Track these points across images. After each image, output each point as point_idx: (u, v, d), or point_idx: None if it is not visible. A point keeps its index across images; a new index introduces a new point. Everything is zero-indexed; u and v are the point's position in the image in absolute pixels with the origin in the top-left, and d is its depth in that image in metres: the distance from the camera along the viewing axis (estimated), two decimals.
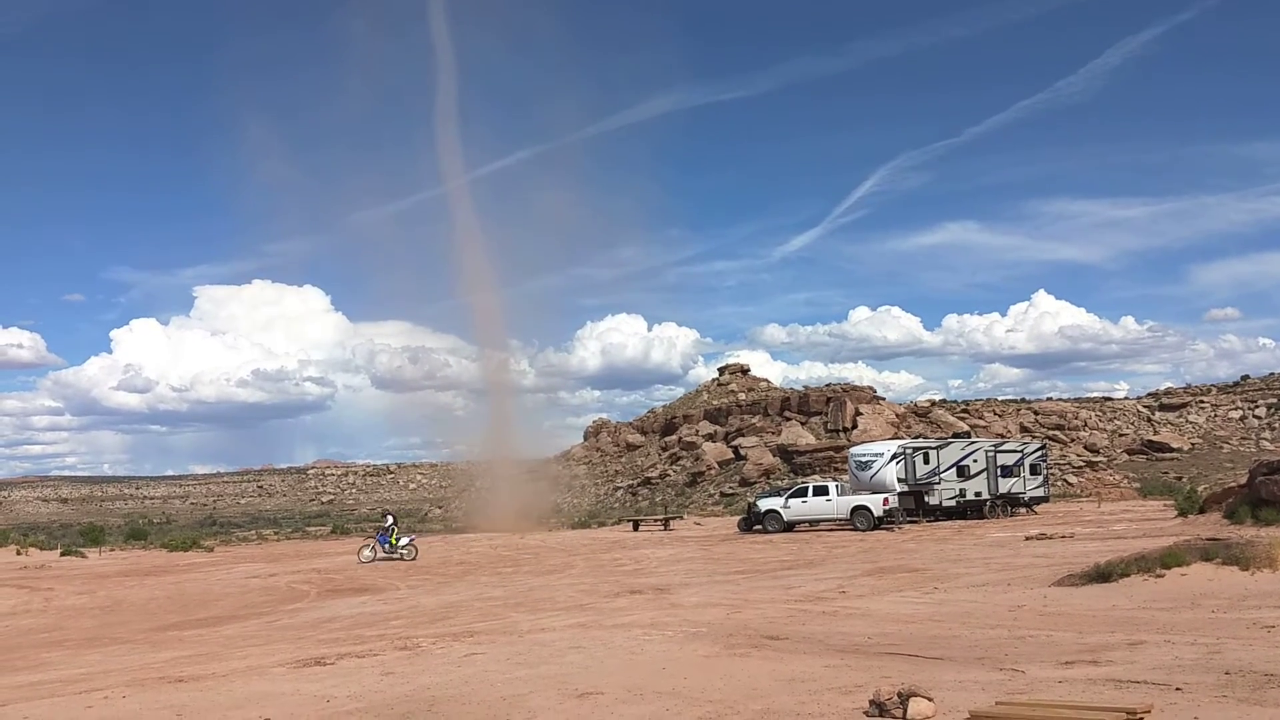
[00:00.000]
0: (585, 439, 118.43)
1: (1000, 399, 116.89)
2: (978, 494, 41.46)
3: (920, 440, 47.55)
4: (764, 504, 39.85)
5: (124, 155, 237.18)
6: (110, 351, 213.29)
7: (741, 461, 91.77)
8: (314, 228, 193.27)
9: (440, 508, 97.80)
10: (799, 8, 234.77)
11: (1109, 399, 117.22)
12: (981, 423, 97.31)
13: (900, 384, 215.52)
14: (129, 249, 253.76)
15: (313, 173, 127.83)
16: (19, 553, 42.16)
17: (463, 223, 71.51)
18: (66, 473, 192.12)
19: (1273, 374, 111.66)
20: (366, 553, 31.46)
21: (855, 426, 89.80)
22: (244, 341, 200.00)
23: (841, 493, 38.53)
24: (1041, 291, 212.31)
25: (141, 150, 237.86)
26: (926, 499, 39.60)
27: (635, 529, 47.00)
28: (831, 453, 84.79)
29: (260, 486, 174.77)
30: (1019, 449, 46.02)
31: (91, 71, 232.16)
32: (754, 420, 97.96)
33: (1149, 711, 7.33)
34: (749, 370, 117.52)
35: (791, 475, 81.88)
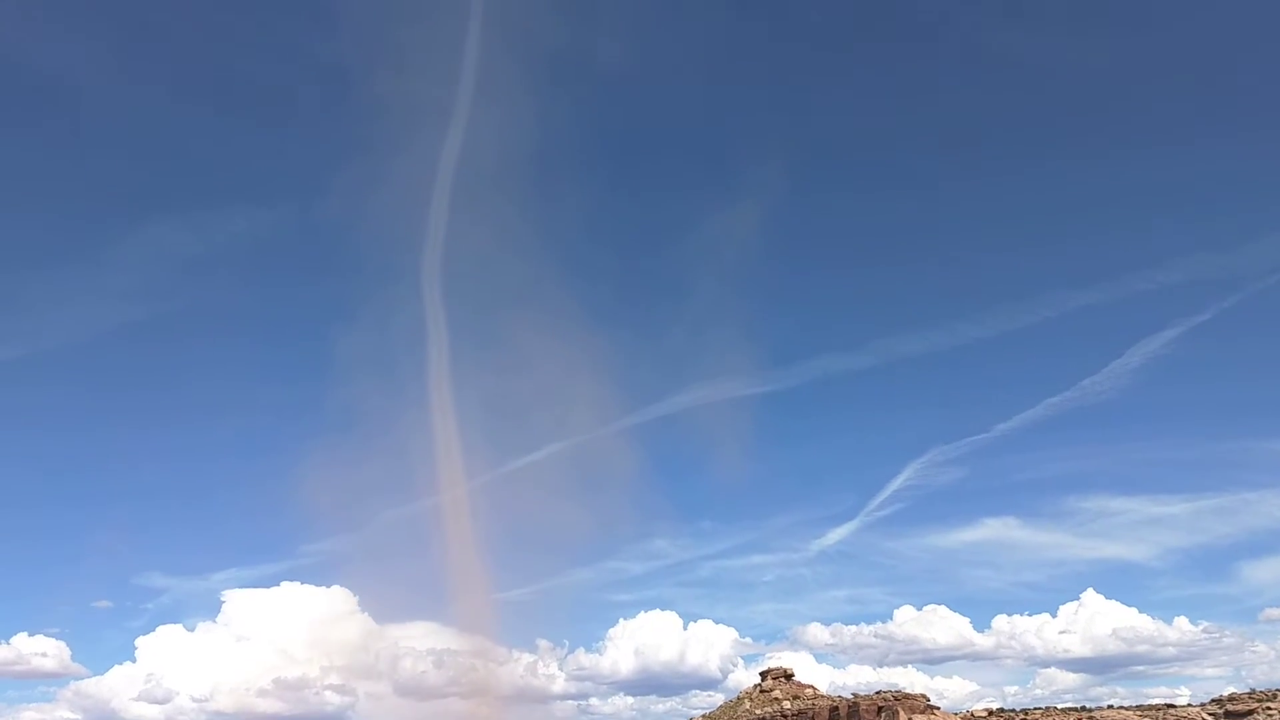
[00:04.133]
0: None
1: (1060, 706, 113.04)
2: None
3: None
4: None
5: (162, 468, 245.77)
6: (134, 660, 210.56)
7: None
8: (345, 527, 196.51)
9: None
10: (818, 308, 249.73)
11: (1172, 706, 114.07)
12: None
13: (954, 690, 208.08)
14: (161, 555, 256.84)
15: (347, 472, 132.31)
16: None
17: (456, 530, 73.78)
18: None
19: None
20: None
21: None
22: (268, 647, 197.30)
23: None
24: (1090, 590, 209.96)
25: (177, 462, 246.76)
26: None
27: None
28: None
29: None
30: None
31: (124, 393, 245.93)
32: None
33: None
34: (793, 675, 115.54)
35: None
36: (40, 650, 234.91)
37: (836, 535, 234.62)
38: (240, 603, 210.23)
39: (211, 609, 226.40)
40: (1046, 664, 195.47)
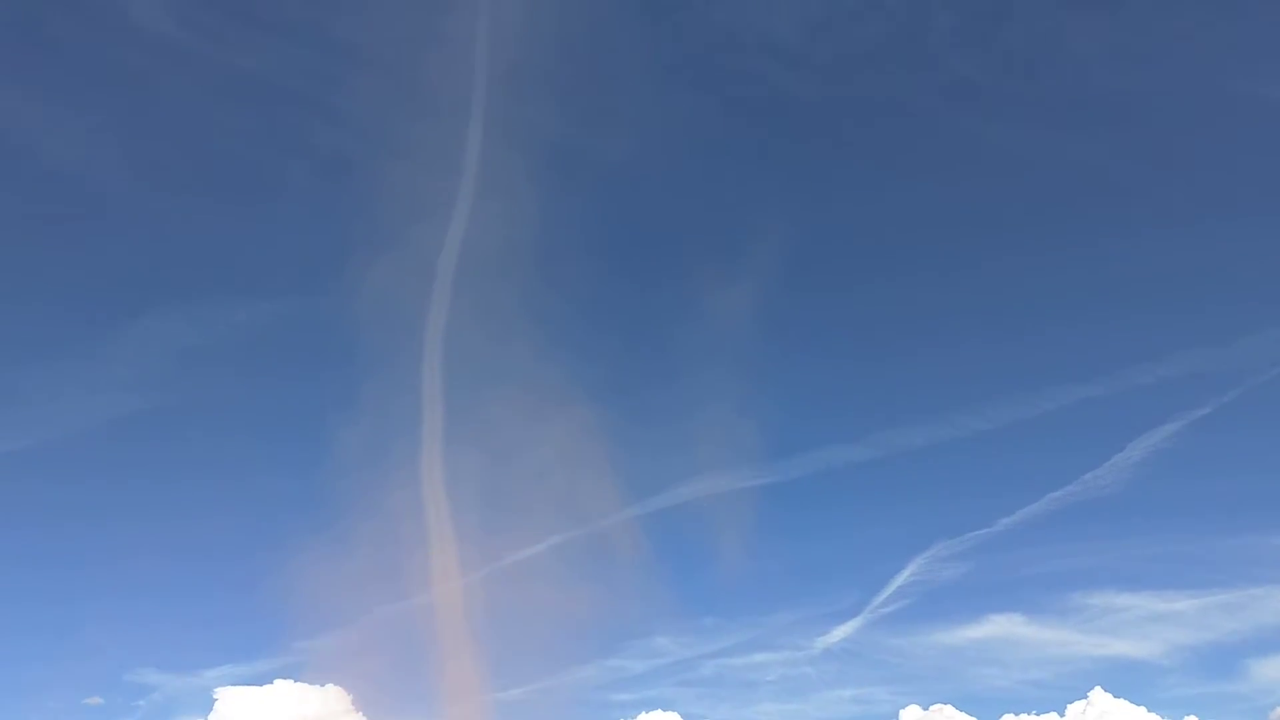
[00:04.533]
0: None
1: None
2: None
3: None
4: None
5: (156, 562, 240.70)
6: None
7: None
8: (339, 623, 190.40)
9: None
10: (818, 399, 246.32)
11: None
12: None
13: None
14: (154, 651, 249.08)
15: (341, 566, 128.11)
16: None
17: (450, 627, 70.12)
18: None
19: None
20: None
21: None
22: None
23: None
24: (1098, 689, 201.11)
25: (172, 556, 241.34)
26: None
27: None
28: None
29: None
30: None
31: (119, 486, 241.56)
32: None
33: None
34: None
35: None
36: None
37: (840, 632, 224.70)
38: (233, 701, 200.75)
39: (204, 707, 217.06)
40: None
